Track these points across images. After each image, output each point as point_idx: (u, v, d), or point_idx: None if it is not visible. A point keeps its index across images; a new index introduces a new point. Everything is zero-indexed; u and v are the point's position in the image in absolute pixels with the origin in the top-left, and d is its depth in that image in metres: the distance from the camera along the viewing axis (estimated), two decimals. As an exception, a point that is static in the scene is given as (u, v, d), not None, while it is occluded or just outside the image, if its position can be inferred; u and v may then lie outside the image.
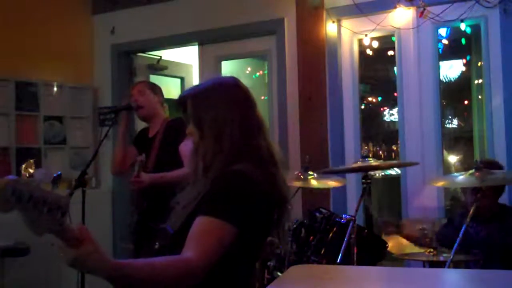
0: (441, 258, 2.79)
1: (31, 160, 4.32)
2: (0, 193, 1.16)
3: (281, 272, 2.87)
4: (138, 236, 3.32)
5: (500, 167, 3.03)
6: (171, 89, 5.33)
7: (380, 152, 5.88)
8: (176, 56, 5.50)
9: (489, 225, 2.96)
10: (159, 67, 5.30)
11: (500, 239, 2.90)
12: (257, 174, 1.64)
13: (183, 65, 5.58)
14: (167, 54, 5.36)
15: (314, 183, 3.29)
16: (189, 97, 1.78)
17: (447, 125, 5.67)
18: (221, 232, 1.55)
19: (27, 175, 4.22)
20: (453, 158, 4.95)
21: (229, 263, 1.60)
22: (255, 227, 1.65)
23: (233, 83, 1.81)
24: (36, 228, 1.24)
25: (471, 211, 2.61)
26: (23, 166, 4.27)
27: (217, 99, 1.73)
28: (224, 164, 1.67)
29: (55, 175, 3.33)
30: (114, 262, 1.37)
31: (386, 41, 4.12)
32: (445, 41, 4.27)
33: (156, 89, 3.58)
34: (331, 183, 3.47)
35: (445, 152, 4.13)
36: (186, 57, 5.54)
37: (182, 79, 5.58)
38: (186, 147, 2.77)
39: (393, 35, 3.97)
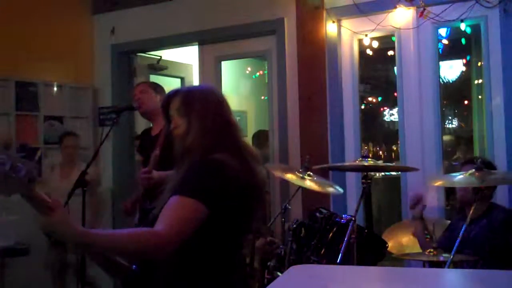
0: (441, 258, 2.79)
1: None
2: None
3: (281, 272, 2.87)
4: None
5: (494, 167, 3.01)
6: (171, 89, 5.32)
7: (380, 152, 5.89)
8: (176, 56, 5.50)
9: (477, 224, 2.95)
10: (159, 67, 5.30)
11: (487, 238, 2.89)
12: (234, 162, 1.78)
13: (183, 65, 5.58)
14: (167, 54, 5.36)
15: (313, 184, 3.28)
16: (182, 93, 1.96)
17: (447, 125, 5.68)
18: (190, 209, 1.67)
19: None
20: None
21: (206, 245, 1.74)
22: (229, 210, 1.75)
23: (215, 89, 2.04)
24: (3, 189, 1.46)
25: (471, 211, 2.61)
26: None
27: (206, 96, 1.93)
28: (205, 151, 1.81)
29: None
30: (81, 230, 1.56)
31: (386, 41, 4.13)
32: (445, 41, 4.28)
33: (158, 89, 3.60)
34: (331, 190, 3.44)
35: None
36: (186, 57, 5.54)
37: (182, 79, 5.59)
38: None
39: (393, 35, 3.97)
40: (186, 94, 1.95)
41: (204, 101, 1.91)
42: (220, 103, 1.95)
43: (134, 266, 1.78)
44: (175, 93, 1.98)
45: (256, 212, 1.94)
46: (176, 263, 1.75)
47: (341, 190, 3.44)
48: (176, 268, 1.76)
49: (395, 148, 5.24)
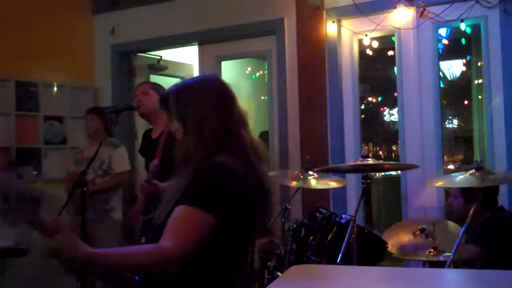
0: (441, 258, 2.79)
1: None
2: None
3: (281, 272, 2.87)
4: (142, 236, 3.33)
5: None
6: (171, 89, 5.33)
7: (380, 152, 5.89)
8: (176, 56, 5.50)
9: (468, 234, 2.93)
10: (160, 67, 5.29)
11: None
12: (238, 165, 1.67)
13: (183, 65, 5.58)
14: (168, 54, 5.36)
15: (314, 183, 3.29)
16: (172, 93, 1.82)
17: (447, 125, 5.67)
18: (198, 221, 1.58)
19: None
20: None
21: (211, 254, 1.63)
22: (234, 217, 1.65)
23: (214, 79, 1.85)
24: (9, 219, 1.37)
25: (471, 211, 2.60)
26: None
27: (198, 94, 1.77)
28: (206, 154, 1.69)
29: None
30: (87, 251, 1.47)
31: (386, 41, 4.12)
32: (445, 41, 4.28)
33: (160, 90, 3.57)
34: (331, 184, 3.47)
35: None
36: (187, 57, 5.54)
37: (182, 79, 5.58)
38: None
39: (393, 35, 3.97)
40: (177, 95, 1.80)
41: (197, 100, 1.75)
42: (218, 96, 1.77)
43: (136, 277, 1.71)
44: (168, 93, 1.84)
45: (262, 215, 1.80)
46: (179, 272, 1.62)
47: (343, 180, 3.45)
48: (180, 277, 1.64)
49: (395, 148, 5.24)
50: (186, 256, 1.55)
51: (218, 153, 1.69)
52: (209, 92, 1.78)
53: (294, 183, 3.30)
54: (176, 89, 1.84)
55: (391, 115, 6.02)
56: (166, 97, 1.84)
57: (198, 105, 1.74)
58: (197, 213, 1.58)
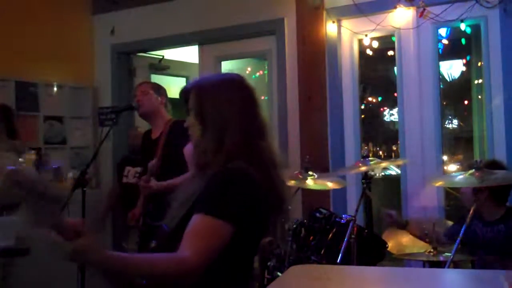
0: (441, 258, 2.79)
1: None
2: (4, 182, 1.24)
3: (281, 272, 2.87)
4: (142, 237, 3.33)
5: (502, 167, 3.00)
6: (173, 88, 5.33)
7: (380, 152, 5.88)
8: (178, 55, 5.49)
9: (495, 227, 2.94)
10: (161, 67, 5.29)
11: (502, 244, 2.88)
12: (255, 173, 1.62)
13: (186, 64, 5.57)
14: (170, 53, 5.36)
15: (313, 183, 3.28)
16: (194, 89, 1.75)
17: (447, 125, 5.67)
18: (219, 231, 1.55)
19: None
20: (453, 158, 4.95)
21: (225, 261, 1.60)
22: (251, 226, 1.63)
23: (240, 81, 1.77)
24: (36, 220, 1.32)
25: (471, 211, 2.61)
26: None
27: (222, 96, 1.69)
28: (223, 161, 1.64)
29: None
30: (111, 255, 1.45)
31: (386, 41, 4.12)
32: (445, 41, 4.27)
33: (160, 90, 3.58)
34: (331, 185, 3.46)
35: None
36: (189, 56, 5.53)
37: (186, 78, 5.58)
38: (191, 150, 2.74)
39: (393, 35, 3.97)
40: (199, 90, 1.73)
41: (220, 101, 1.68)
42: (242, 101, 1.70)
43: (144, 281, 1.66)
44: (190, 88, 1.76)
45: (275, 223, 1.82)
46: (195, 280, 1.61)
47: (343, 182, 3.44)
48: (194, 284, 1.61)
49: (395, 148, 5.23)
50: (206, 265, 1.52)
51: (235, 160, 1.64)
52: (233, 95, 1.71)
53: (293, 183, 3.29)
54: (199, 84, 1.77)
55: (391, 115, 6.01)
56: (187, 91, 1.76)
57: (220, 107, 1.68)
58: (216, 222, 1.55)
